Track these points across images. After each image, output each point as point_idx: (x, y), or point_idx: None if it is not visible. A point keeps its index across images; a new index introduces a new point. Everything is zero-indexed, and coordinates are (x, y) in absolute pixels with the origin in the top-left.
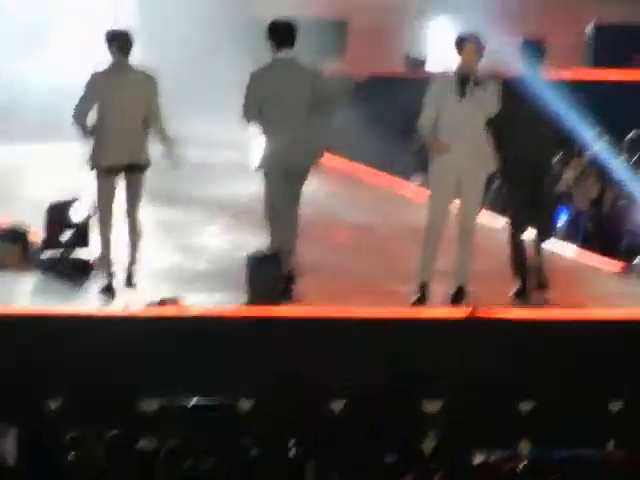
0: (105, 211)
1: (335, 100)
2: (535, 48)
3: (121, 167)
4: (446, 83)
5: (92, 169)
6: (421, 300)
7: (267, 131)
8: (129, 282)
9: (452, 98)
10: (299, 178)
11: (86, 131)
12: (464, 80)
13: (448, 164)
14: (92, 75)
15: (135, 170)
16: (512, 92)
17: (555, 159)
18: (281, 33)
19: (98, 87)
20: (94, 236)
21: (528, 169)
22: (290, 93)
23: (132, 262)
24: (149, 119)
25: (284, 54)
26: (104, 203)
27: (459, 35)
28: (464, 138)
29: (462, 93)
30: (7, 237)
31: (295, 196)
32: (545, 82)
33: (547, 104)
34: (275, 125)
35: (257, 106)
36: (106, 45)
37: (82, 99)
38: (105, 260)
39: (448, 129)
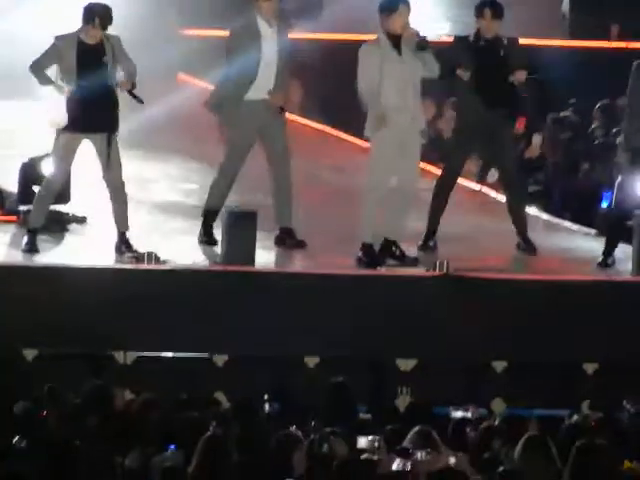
0: None
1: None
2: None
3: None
4: (379, 46)
5: None
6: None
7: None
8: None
9: (392, 59)
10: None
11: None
12: (397, 40)
13: (395, 125)
14: None
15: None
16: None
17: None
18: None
19: None
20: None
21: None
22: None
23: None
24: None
25: None
26: None
27: None
28: (408, 97)
29: (399, 53)
30: None
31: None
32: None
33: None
34: None
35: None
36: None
37: None
38: None
39: (394, 90)
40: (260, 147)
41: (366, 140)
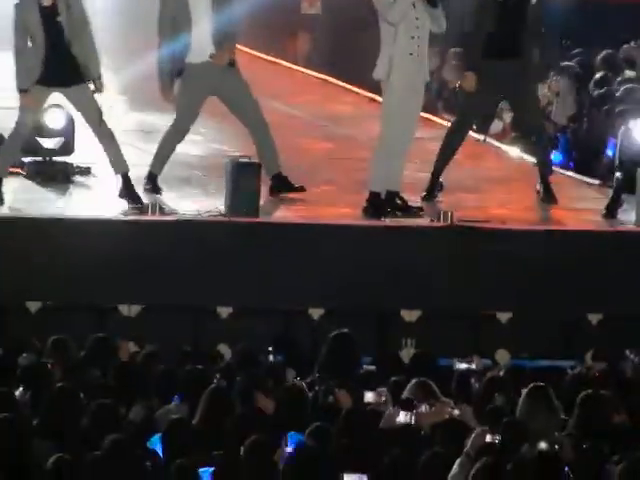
0: None
1: None
2: None
3: None
4: None
5: None
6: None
7: None
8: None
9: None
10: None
11: None
12: None
13: (406, 72)
14: None
15: None
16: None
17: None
18: None
19: None
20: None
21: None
22: None
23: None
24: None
25: None
26: None
27: None
28: (418, 46)
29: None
30: None
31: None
32: None
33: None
34: None
35: None
36: None
37: None
38: None
39: (408, 35)
40: (224, 106)
41: (371, 90)
